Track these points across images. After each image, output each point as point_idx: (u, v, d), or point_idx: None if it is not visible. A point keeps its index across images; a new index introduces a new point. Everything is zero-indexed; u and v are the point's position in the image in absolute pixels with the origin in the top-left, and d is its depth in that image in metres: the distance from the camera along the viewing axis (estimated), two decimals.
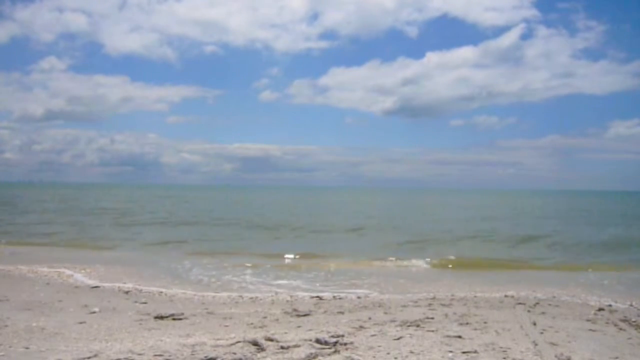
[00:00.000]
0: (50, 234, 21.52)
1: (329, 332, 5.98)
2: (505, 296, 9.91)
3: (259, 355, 5.00)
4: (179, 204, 53.10)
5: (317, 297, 9.83)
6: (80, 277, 11.66)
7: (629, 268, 14.57)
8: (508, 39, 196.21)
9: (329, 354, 5.03)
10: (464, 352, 5.17)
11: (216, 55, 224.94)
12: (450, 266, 14.71)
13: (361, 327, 6.49)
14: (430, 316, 7.34)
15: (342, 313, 7.86)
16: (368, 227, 27.74)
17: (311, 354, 4.99)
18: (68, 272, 12.22)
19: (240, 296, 9.88)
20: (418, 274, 13.45)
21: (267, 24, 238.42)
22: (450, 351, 5.20)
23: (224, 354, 4.95)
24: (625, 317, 7.98)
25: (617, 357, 5.37)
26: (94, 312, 7.63)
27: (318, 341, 5.44)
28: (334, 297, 9.86)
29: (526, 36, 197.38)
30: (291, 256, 15.80)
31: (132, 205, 46.36)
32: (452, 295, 9.90)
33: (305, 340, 5.51)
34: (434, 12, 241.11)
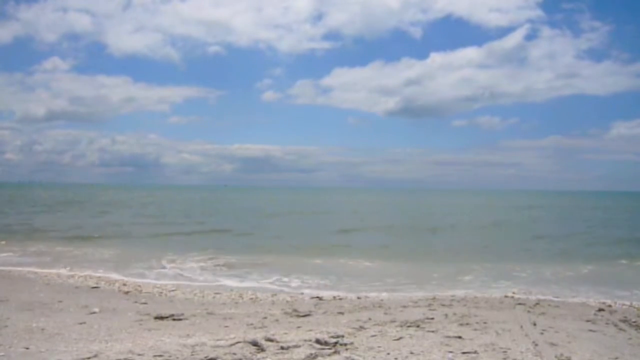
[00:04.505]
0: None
1: (329, 333, 5.98)
2: (505, 296, 9.91)
3: (259, 355, 5.00)
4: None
5: (317, 297, 9.83)
6: (81, 278, 11.66)
7: (629, 268, 14.60)
8: (512, 40, 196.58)
9: (329, 355, 5.03)
10: (464, 353, 5.17)
11: (219, 55, 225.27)
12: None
13: (361, 327, 6.49)
14: (430, 316, 7.34)
15: (342, 313, 7.86)
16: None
17: (311, 354, 4.99)
18: (67, 272, 12.24)
19: (241, 296, 9.88)
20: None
21: (271, 24, 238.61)
22: (450, 352, 5.20)
23: (224, 355, 4.95)
24: (625, 317, 7.98)
25: (617, 358, 5.37)
26: (94, 313, 7.62)
27: (318, 341, 5.44)
28: (333, 297, 9.86)
29: (530, 37, 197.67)
30: None
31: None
32: (452, 296, 9.91)
33: (305, 340, 5.51)
34: (438, 13, 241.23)
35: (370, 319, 7.19)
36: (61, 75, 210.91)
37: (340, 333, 5.97)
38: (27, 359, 4.92)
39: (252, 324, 6.88)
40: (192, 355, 4.96)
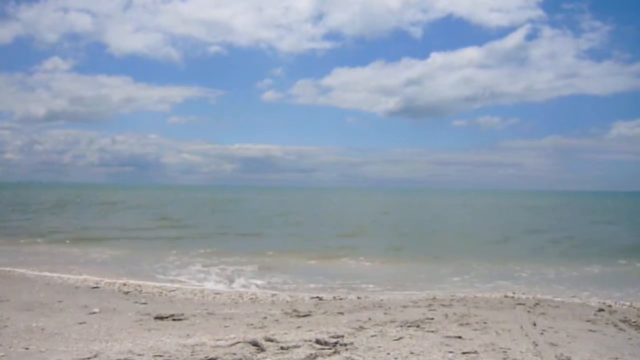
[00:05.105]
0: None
1: (329, 333, 5.98)
2: (505, 296, 9.91)
3: (259, 355, 5.00)
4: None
5: (317, 297, 9.83)
6: (81, 278, 11.66)
7: (629, 268, 14.60)
8: (513, 40, 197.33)
9: (328, 355, 5.02)
10: (464, 353, 5.17)
11: (220, 55, 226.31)
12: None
13: (361, 327, 6.49)
14: (430, 317, 7.34)
15: (342, 314, 7.85)
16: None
17: (311, 354, 4.99)
18: (68, 272, 12.24)
19: (241, 296, 9.88)
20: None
21: (272, 24, 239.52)
22: (451, 352, 5.20)
23: (224, 355, 4.95)
24: (625, 317, 7.98)
25: (617, 358, 5.37)
26: (94, 313, 7.62)
27: (318, 342, 5.44)
28: (333, 297, 9.86)
29: (531, 37, 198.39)
30: None
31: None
32: (452, 296, 9.90)
33: (305, 340, 5.51)
34: (438, 13, 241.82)
35: (370, 319, 7.19)
36: (61, 75, 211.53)
37: (340, 333, 5.97)
38: (27, 359, 4.92)
39: (252, 324, 6.88)
40: (192, 355, 4.96)
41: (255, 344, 5.33)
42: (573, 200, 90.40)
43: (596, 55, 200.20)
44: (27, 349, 5.27)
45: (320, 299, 9.67)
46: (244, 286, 11.43)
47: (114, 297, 9.34)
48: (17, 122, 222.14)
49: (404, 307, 8.45)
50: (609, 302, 9.64)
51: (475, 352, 5.22)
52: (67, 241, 19.16)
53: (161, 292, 10.10)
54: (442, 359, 4.98)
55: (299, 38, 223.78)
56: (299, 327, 6.68)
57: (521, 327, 6.69)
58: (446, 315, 7.47)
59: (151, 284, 11.20)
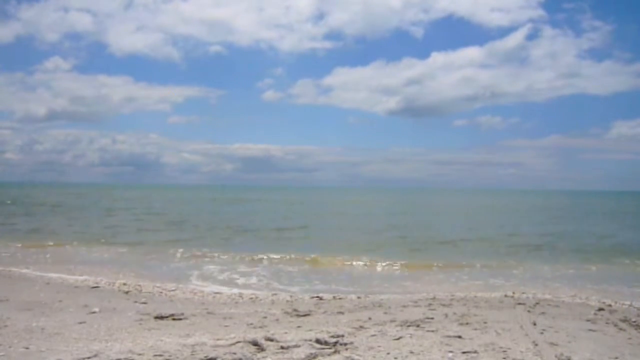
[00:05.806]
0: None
1: (329, 332, 5.98)
2: (505, 296, 9.91)
3: (259, 355, 5.00)
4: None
5: (317, 297, 9.83)
6: (81, 277, 11.66)
7: (629, 267, 14.60)
8: (514, 40, 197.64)
9: (329, 354, 5.03)
10: (463, 352, 5.17)
11: (221, 55, 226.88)
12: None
13: (361, 327, 6.49)
14: (430, 316, 7.34)
15: (342, 313, 7.86)
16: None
17: (311, 354, 4.99)
18: (68, 272, 12.24)
19: (240, 296, 9.88)
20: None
21: (273, 24, 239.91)
22: (450, 351, 5.20)
23: (224, 354, 4.95)
24: (625, 317, 7.98)
25: (617, 357, 5.37)
26: (94, 312, 7.62)
27: (318, 341, 5.44)
28: (333, 297, 9.85)
29: (532, 36, 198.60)
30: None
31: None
32: (452, 296, 9.90)
33: (305, 340, 5.51)
34: (440, 13, 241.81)
35: (370, 318, 7.19)
36: (62, 74, 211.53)
37: (340, 333, 5.97)
38: (27, 359, 4.92)
39: (252, 324, 6.88)
40: (192, 354, 4.96)
41: (255, 343, 5.33)
42: (573, 199, 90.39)
43: (597, 55, 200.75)
44: (27, 348, 5.27)
45: (320, 298, 9.67)
46: (244, 286, 11.44)
47: (114, 296, 9.33)
48: (18, 122, 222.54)
49: (404, 306, 8.45)
50: (609, 301, 9.64)
51: (475, 351, 5.23)
52: (68, 241, 19.15)
53: (161, 292, 10.10)
54: (442, 359, 4.98)
55: (299, 38, 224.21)
56: (299, 326, 6.68)
57: (521, 326, 6.69)
58: (446, 315, 7.47)
59: (151, 283, 11.19)
